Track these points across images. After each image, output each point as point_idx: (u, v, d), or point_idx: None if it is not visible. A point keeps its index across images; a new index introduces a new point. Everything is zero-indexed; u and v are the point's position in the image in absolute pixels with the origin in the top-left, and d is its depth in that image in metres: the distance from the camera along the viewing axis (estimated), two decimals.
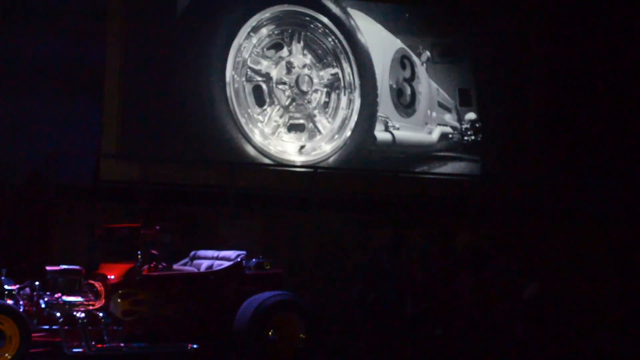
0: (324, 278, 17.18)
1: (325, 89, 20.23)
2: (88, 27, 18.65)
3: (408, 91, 20.78)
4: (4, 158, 17.34)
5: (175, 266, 14.41)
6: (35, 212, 16.56)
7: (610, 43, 20.66)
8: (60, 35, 18.49)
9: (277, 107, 19.84)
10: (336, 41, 20.17)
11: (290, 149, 19.84)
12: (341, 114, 20.30)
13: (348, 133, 20.25)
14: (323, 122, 20.14)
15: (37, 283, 13.07)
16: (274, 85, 19.83)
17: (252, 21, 19.66)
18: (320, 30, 20.07)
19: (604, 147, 20.44)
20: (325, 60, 20.19)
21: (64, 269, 13.38)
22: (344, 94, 20.29)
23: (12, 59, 18.22)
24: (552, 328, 16.42)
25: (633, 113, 20.67)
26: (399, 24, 20.85)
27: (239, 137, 19.34)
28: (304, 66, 20.00)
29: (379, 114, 20.45)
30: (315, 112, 20.10)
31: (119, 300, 13.36)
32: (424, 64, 20.91)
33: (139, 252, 13.51)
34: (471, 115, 20.93)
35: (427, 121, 20.85)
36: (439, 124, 20.86)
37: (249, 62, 19.66)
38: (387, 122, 20.45)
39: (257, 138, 19.54)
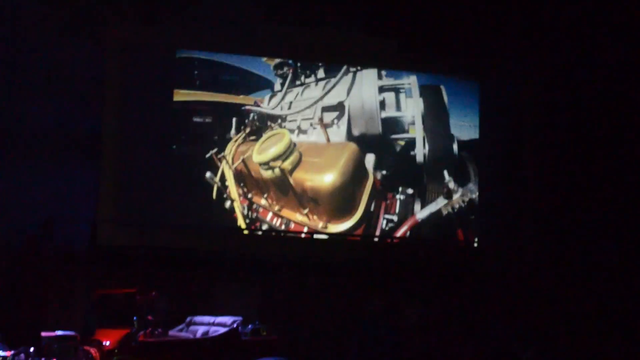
0: (319, 344, 17.07)
1: None
2: (85, 93, 18.73)
3: None
4: (0, 223, 17.29)
5: (171, 332, 14.40)
6: (31, 277, 16.50)
7: (606, 115, 20.81)
8: (57, 101, 18.55)
9: None
10: None
11: None
12: None
13: None
14: None
15: (31, 349, 12.99)
16: None
17: None
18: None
19: (602, 211, 20.45)
20: None
21: (60, 335, 13.35)
22: None
23: (8, 124, 18.27)
24: None
25: (625, 184, 20.75)
26: None
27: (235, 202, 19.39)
28: None
29: None
30: None
31: None
32: None
33: (135, 318, 13.48)
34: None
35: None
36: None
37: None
38: None
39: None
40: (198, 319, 14.98)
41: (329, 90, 20.25)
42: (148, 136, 18.87)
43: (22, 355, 12.98)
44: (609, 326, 18.81)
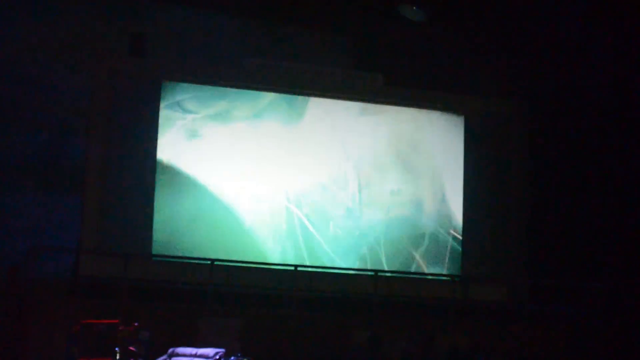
0: None
1: None
2: (69, 123, 18.76)
3: None
4: None
5: None
6: (12, 307, 16.41)
7: (594, 147, 20.89)
8: (40, 131, 18.58)
9: None
10: None
11: None
12: None
13: None
14: None
15: None
16: None
17: None
18: None
19: (585, 250, 20.46)
20: None
21: None
22: None
23: None
24: None
25: (613, 216, 20.77)
26: None
27: None
28: None
29: None
30: None
31: None
32: None
33: (116, 349, 13.41)
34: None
35: None
36: None
37: None
38: None
39: None
40: (180, 350, 14.87)
41: None
42: (132, 166, 18.89)
43: None
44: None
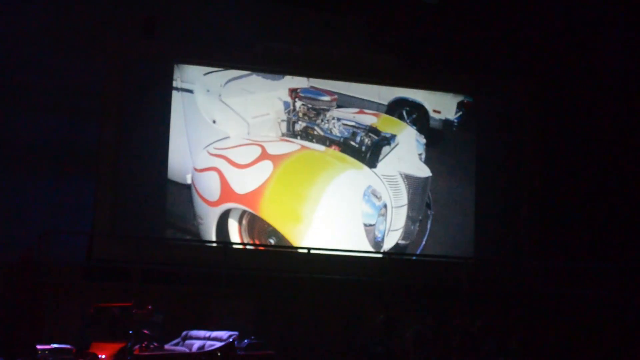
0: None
1: None
2: (82, 107, 18.78)
3: None
4: None
5: (166, 346, 14.34)
6: (27, 290, 16.46)
7: (602, 131, 20.85)
8: (54, 115, 18.60)
9: None
10: None
11: None
12: None
13: None
14: None
15: None
16: None
17: None
18: None
19: (597, 232, 20.43)
20: None
21: (55, 348, 13.36)
22: None
23: (5, 138, 18.30)
24: None
25: (623, 198, 20.74)
26: None
27: None
28: None
29: None
30: None
31: None
32: None
33: (130, 332, 13.43)
34: None
35: None
36: None
37: None
38: None
39: None
40: (194, 333, 14.94)
41: None
42: (145, 150, 18.90)
43: None
44: (608, 341, 18.80)
